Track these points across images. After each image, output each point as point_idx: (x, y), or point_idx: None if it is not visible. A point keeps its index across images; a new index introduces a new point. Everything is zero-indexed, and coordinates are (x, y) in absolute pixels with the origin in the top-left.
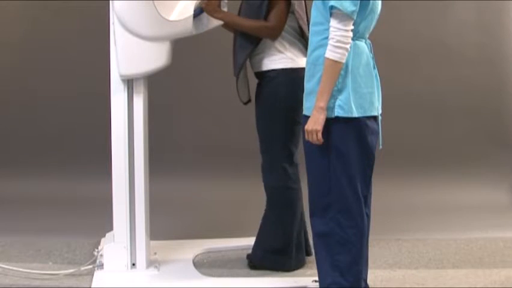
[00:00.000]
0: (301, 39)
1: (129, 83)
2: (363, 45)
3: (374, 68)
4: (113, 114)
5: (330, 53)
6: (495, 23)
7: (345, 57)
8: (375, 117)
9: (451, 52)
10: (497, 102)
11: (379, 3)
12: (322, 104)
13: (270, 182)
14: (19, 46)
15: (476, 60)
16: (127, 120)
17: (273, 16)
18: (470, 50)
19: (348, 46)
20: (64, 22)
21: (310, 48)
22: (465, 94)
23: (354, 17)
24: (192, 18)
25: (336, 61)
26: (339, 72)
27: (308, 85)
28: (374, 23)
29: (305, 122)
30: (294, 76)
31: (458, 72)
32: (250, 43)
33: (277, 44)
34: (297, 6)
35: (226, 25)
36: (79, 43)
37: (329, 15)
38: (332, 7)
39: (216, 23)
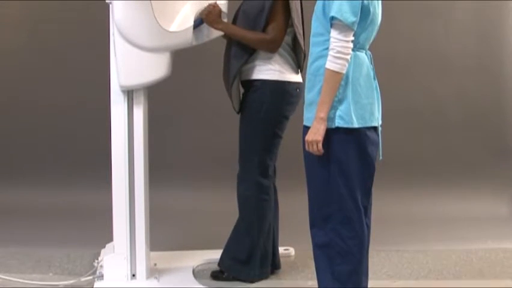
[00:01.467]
0: (292, 54)
1: (129, 93)
2: (364, 56)
3: (374, 79)
4: (113, 124)
5: (331, 64)
6: (494, 34)
7: (345, 68)
8: (375, 128)
9: (451, 63)
10: (496, 113)
11: (379, 15)
12: (322, 114)
13: (242, 192)
14: (19, 56)
15: (476, 71)
16: (127, 131)
17: (273, 29)
18: (470, 61)
19: (348, 57)
20: (63, 32)
21: (310, 59)
22: (465, 105)
23: (355, 28)
24: (192, 29)
25: (336, 72)
26: (339, 82)
27: (309, 96)
28: (374, 34)
29: (305, 133)
30: (279, 88)
31: (457, 83)
32: (245, 52)
33: (266, 56)
34: (296, 20)
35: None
36: (78, 53)
37: (329, 26)
38: (332, 18)
39: (216, 33)
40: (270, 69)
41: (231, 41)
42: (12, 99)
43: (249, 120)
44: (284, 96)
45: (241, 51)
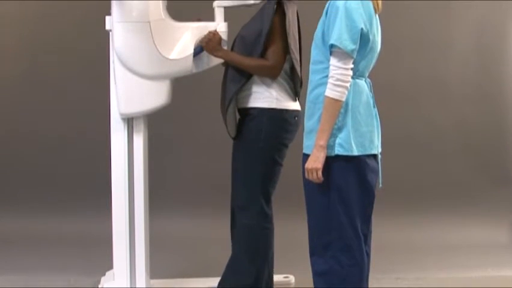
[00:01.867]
0: (289, 81)
1: (129, 121)
2: (363, 84)
3: (374, 106)
4: (113, 152)
5: (330, 91)
6: (495, 63)
7: (345, 96)
8: (375, 156)
9: (451, 91)
10: (496, 141)
11: (379, 42)
12: (322, 142)
13: (246, 221)
14: (18, 85)
15: (476, 100)
16: (127, 158)
17: (272, 55)
18: (470, 90)
19: (348, 84)
20: (63, 61)
21: (310, 86)
22: (464, 133)
23: (354, 56)
24: (192, 56)
25: (336, 99)
26: (339, 110)
27: (308, 123)
28: (374, 62)
29: (305, 160)
30: (277, 116)
31: (457, 112)
32: (242, 77)
33: (263, 83)
34: (293, 46)
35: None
36: (79, 81)
37: (329, 54)
38: (332, 45)
39: (216, 61)
40: (267, 97)
41: (228, 65)
42: (12, 128)
43: (248, 149)
44: (282, 124)
45: (238, 76)
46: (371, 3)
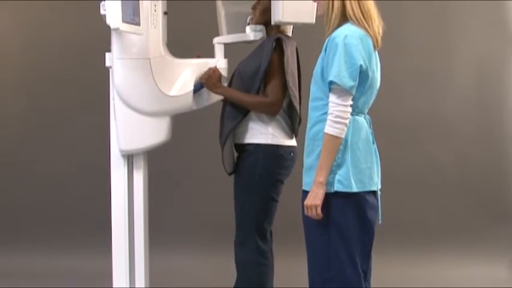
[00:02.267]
0: (286, 117)
1: (129, 158)
2: (363, 120)
3: (373, 143)
4: (113, 188)
5: (330, 128)
6: (495, 99)
7: (344, 132)
8: (374, 192)
9: (451, 128)
10: (496, 178)
11: (378, 79)
12: (321, 179)
13: (241, 257)
14: (18, 120)
15: (476, 137)
16: (127, 195)
17: (271, 91)
18: (470, 127)
19: (347, 121)
20: (63, 96)
21: (309, 123)
22: (465, 170)
23: (353, 92)
24: (192, 93)
25: (335, 136)
26: (338, 147)
27: (307, 160)
28: (373, 98)
29: (304, 197)
30: (273, 152)
31: (457, 148)
32: (239, 113)
33: (260, 119)
34: (291, 83)
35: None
36: (78, 118)
37: (328, 91)
38: (331, 82)
39: (216, 98)
40: (264, 133)
41: (226, 101)
42: (12, 163)
43: (244, 185)
44: (278, 160)
45: (234, 112)
46: (370, 39)
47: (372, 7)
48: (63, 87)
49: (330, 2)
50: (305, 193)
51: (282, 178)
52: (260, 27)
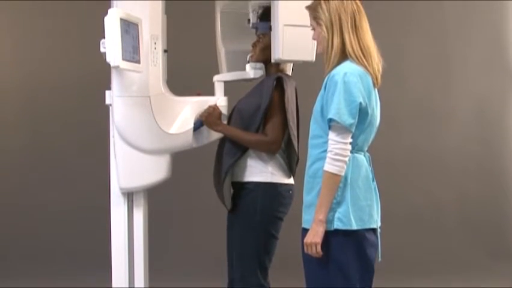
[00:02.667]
0: (284, 156)
1: (129, 195)
2: (362, 158)
3: (373, 180)
4: (113, 226)
5: (329, 166)
6: (494, 137)
7: (344, 170)
8: (374, 230)
9: (450, 165)
10: (496, 215)
11: (378, 116)
12: (321, 216)
13: None
14: (19, 158)
15: (476, 174)
16: (127, 233)
17: (271, 130)
18: (470, 164)
19: (346, 159)
20: (63, 134)
21: (309, 161)
22: (464, 207)
23: (353, 130)
24: (192, 131)
25: (335, 174)
26: (338, 185)
27: (307, 198)
28: (372, 136)
29: (304, 235)
30: (273, 191)
31: (457, 185)
32: (236, 151)
33: (258, 157)
34: (291, 122)
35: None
36: (79, 155)
37: (327, 128)
38: (330, 120)
39: (216, 135)
40: (262, 171)
41: (224, 138)
42: (13, 201)
43: (244, 223)
44: (277, 198)
45: (233, 149)
46: (369, 77)
47: (371, 45)
48: (63, 125)
49: (330, 39)
50: (305, 231)
51: (281, 216)
52: (260, 65)
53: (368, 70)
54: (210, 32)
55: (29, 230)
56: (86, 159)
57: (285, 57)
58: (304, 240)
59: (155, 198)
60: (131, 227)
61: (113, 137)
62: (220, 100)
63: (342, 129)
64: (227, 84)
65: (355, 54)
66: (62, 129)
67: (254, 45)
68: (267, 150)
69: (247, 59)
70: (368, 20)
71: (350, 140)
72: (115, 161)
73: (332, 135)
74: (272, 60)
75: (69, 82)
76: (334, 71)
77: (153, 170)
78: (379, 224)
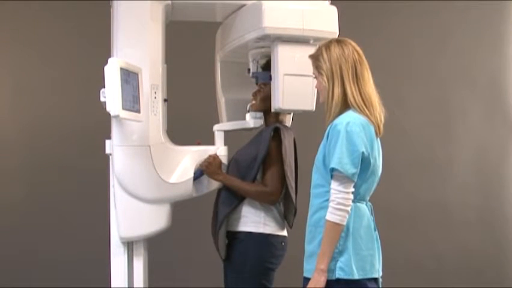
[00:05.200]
0: (279, 207)
1: (129, 245)
2: (364, 208)
3: (375, 230)
4: (113, 276)
5: (331, 215)
6: (495, 187)
7: (346, 220)
8: (375, 279)
9: (451, 216)
10: (497, 265)
11: (380, 166)
12: (323, 266)
13: None
14: (19, 208)
15: (476, 224)
16: (127, 283)
17: (270, 181)
18: (470, 214)
19: (349, 208)
20: (63, 183)
21: (311, 210)
22: (465, 257)
23: (355, 180)
24: (192, 180)
25: (337, 223)
26: (340, 234)
27: (309, 247)
28: (375, 185)
29: (306, 284)
30: (264, 241)
31: (458, 236)
32: (233, 201)
33: (253, 207)
34: (289, 173)
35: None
36: (78, 205)
37: (329, 178)
38: (332, 169)
39: (216, 185)
40: (255, 222)
41: (221, 188)
42: (12, 252)
43: (236, 273)
44: (269, 249)
45: (229, 199)
46: (372, 127)
47: (373, 94)
48: (62, 174)
49: (331, 89)
50: (306, 280)
51: (273, 267)
52: (260, 114)
53: (370, 119)
54: (210, 82)
55: (28, 279)
56: (86, 209)
57: (285, 106)
58: None
59: (155, 247)
60: (131, 276)
61: (113, 186)
62: (220, 149)
63: (344, 179)
64: (227, 133)
65: (357, 104)
66: (61, 178)
67: (255, 94)
68: (267, 201)
69: (247, 108)
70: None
71: (352, 189)
72: (115, 210)
73: (334, 185)
74: (272, 110)
75: (69, 131)
76: (337, 121)
77: (153, 220)
78: (381, 273)
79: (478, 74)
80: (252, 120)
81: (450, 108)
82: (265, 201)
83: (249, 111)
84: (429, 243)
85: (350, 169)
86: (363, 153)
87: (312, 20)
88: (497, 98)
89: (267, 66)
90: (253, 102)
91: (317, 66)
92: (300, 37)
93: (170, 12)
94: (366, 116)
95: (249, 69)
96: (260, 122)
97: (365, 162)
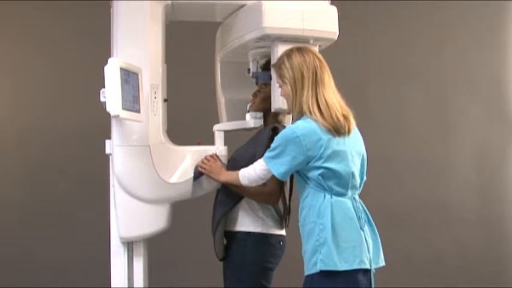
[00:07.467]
0: (277, 206)
1: (129, 245)
2: (345, 201)
3: (369, 223)
4: (113, 276)
5: (244, 179)
6: (495, 187)
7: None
8: (366, 271)
9: (451, 215)
10: (496, 265)
11: (355, 162)
12: (223, 178)
13: None
14: (19, 210)
15: (476, 223)
16: (127, 283)
17: (269, 181)
18: (470, 214)
19: (255, 184)
20: (62, 184)
21: (299, 212)
22: (465, 257)
23: (284, 179)
24: (192, 180)
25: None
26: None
27: (306, 246)
28: (352, 182)
29: (307, 282)
30: (262, 240)
31: (457, 236)
32: (230, 200)
33: (250, 207)
34: None
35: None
36: (78, 205)
37: (302, 176)
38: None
39: (216, 185)
40: (253, 221)
41: (219, 188)
42: (11, 251)
43: (234, 273)
44: (267, 248)
45: (226, 199)
46: (321, 129)
47: (331, 97)
48: (62, 174)
49: (294, 96)
50: (307, 278)
51: (271, 266)
52: (260, 114)
53: (322, 123)
54: (210, 82)
55: (28, 279)
56: (86, 209)
57: (285, 106)
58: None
59: (155, 247)
60: (131, 276)
61: (113, 186)
62: (220, 149)
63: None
64: (227, 133)
65: (308, 110)
66: (61, 179)
67: (255, 94)
68: (267, 201)
69: (247, 108)
70: (368, 71)
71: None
72: (115, 210)
73: (261, 162)
74: (272, 110)
75: (69, 131)
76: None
77: (153, 220)
78: (373, 265)
79: (478, 74)
80: (252, 120)
81: (450, 108)
82: (265, 201)
83: (249, 111)
84: (429, 242)
85: (278, 170)
86: (296, 157)
87: (312, 20)
88: (497, 98)
89: (267, 66)
90: (253, 102)
91: (280, 75)
92: (300, 37)
93: (170, 12)
94: (316, 120)
95: (249, 69)
96: (260, 122)
97: (311, 162)
